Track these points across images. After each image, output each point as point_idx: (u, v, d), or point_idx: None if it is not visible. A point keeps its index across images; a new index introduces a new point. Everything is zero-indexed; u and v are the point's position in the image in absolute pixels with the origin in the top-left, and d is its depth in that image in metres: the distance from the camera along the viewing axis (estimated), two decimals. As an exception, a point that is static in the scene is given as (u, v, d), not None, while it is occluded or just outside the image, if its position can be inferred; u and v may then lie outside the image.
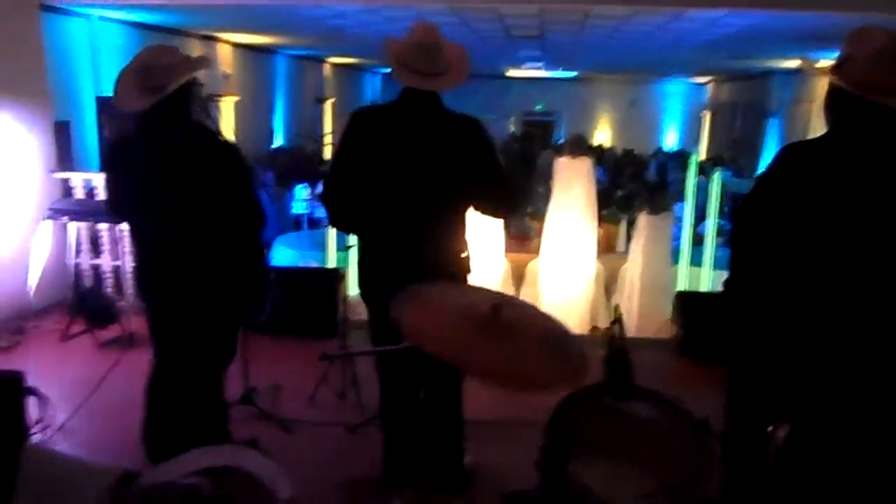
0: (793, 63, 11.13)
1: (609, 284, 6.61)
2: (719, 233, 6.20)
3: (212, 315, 2.79)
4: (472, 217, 2.82)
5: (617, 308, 1.68)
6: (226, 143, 2.76)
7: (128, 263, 4.90)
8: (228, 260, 2.77)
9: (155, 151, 2.67)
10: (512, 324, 1.55)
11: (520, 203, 2.91)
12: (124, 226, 4.84)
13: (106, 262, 5.33)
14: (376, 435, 3.11)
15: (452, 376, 2.85)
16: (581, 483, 1.45)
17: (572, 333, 1.72)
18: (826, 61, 2.09)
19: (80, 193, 5.30)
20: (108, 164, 2.76)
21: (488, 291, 1.71)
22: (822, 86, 2.08)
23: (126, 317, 4.79)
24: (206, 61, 2.96)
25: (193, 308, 2.75)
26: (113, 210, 2.95)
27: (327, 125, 15.02)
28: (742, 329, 2.09)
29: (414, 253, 2.67)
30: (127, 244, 4.92)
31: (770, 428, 1.51)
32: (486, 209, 2.81)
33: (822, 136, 2.00)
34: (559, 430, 1.51)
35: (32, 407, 2.81)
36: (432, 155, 2.64)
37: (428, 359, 2.65)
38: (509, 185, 2.83)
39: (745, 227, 2.08)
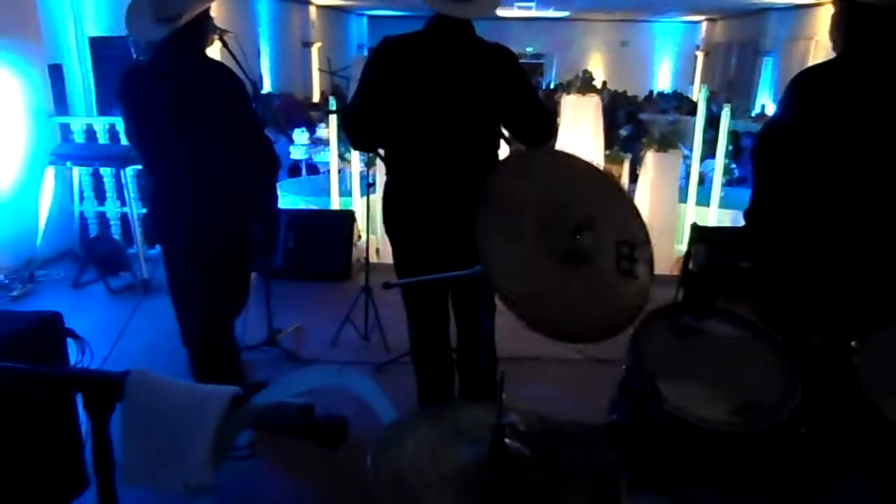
0: (791, -2, 10.97)
1: (614, 224, 6.59)
2: (724, 171, 6.17)
3: (225, 256, 2.75)
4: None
5: (695, 226, 1.64)
6: (238, 79, 2.67)
7: (135, 210, 4.79)
8: (242, 199, 2.72)
9: (167, 83, 2.59)
10: (586, 252, 1.49)
11: (553, 126, 2.87)
12: (129, 171, 4.75)
13: (111, 209, 5.22)
14: (404, 373, 3.11)
15: (487, 312, 2.82)
16: (666, 401, 1.43)
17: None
18: None
19: (80, 138, 5.15)
20: (120, 93, 2.67)
21: (588, 180, 1.60)
22: (820, 21, 2.06)
23: (137, 263, 4.72)
24: (222, -10, 2.84)
25: (207, 249, 2.71)
26: (130, 140, 2.88)
27: (315, 69, 14.70)
28: (768, 254, 2.12)
29: (449, 185, 2.61)
30: (133, 190, 4.80)
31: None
32: (524, 135, 2.75)
33: (837, 58, 2.02)
34: (643, 349, 1.49)
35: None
36: (466, 84, 2.55)
37: (470, 290, 2.61)
38: (546, 110, 2.78)
39: (766, 155, 2.09)
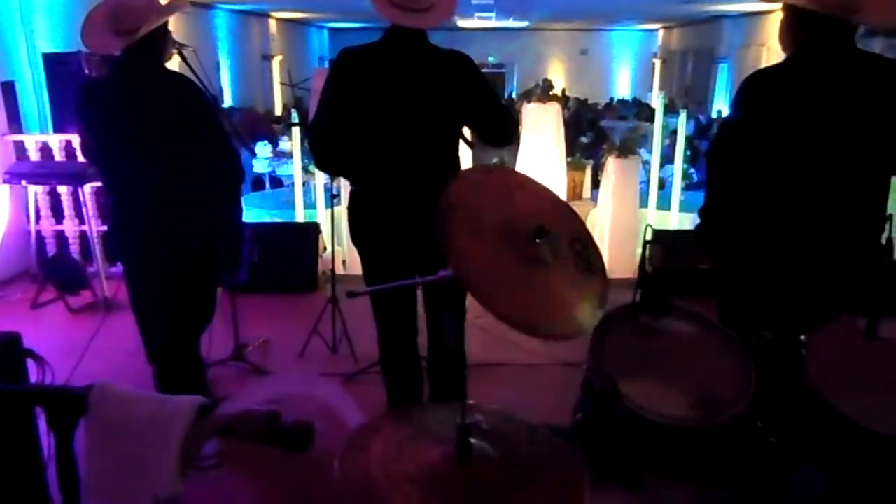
0: (743, 6, 11.28)
1: (578, 230, 6.68)
2: (683, 176, 6.32)
3: (189, 271, 2.73)
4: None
5: (649, 228, 1.69)
6: (200, 90, 2.66)
7: (94, 227, 4.71)
8: (206, 214, 2.71)
9: (128, 97, 2.57)
10: (548, 254, 1.54)
11: (516, 127, 2.91)
12: (87, 188, 4.67)
13: (69, 227, 5.12)
14: (373, 383, 3.11)
15: (458, 318, 2.85)
16: (627, 399, 1.48)
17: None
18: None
19: (34, 156, 5.05)
20: (80, 109, 2.64)
21: (539, 198, 1.66)
22: (770, 28, 2.17)
23: (98, 282, 4.63)
24: (180, 4, 2.83)
25: (171, 264, 2.68)
26: (87, 156, 2.85)
27: (276, 82, 14.62)
28: (723, 252, 2.20)
29: (413, 193, 2.63)
30: (92, 208, 4.72)
31: (802, 337, 1.56)
32: (491, 136, 2.78)
33: (788, 60, 2.12)
34: (603, 349, 1.53)
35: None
36: (427, 91, 2.59)
37: (440, 296, 2.64)
38: (509, 113, 2.82)
39: (720, 156, 2.18)
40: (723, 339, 1.65)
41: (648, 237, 1.66)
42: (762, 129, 2.05)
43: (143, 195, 2.64)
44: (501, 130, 2.73)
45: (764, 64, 10.59)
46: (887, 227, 2.14)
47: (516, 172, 1.80)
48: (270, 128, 10.21)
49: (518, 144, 6.16)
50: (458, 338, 2.90)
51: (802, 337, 1.58)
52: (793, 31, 2.11)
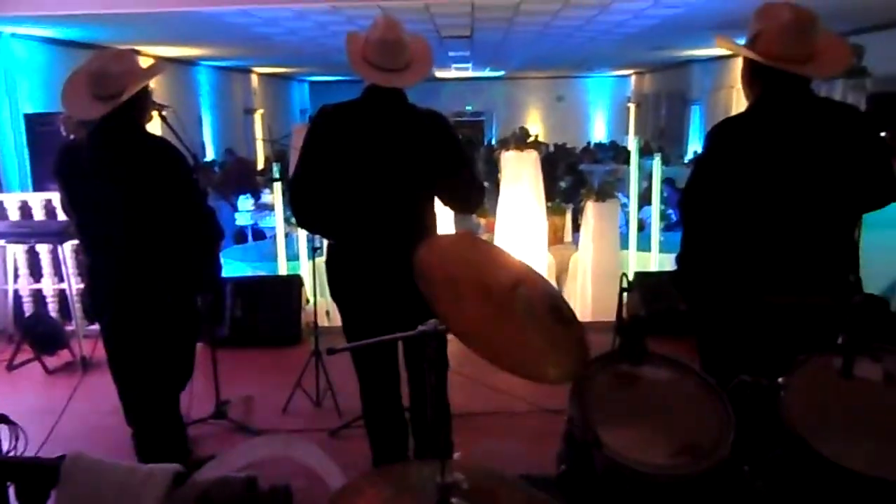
0: (711, 51, 11.63)
1: (559, 274, 6.73)
2: (661, 217, 6.41)
3: (168, 330, 2.72)
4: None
5: (624, 276, 1.71)
6: (178, 154, 2.69)
7: (73, 286, 4.67)
8: (183, 272, 2.70)
9: (108, 160, 2.59)
10: (527, 302, 1.56)
11: (483, 195, 2.95)
12: (67, 247, 4.64)
13: (47, 285, 5.07)
14: (358, 438, 3.07)
15: (439, 369, 2.84)
16: (608, 448, 1.47)
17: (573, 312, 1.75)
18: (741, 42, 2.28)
19: (14, 214, 5.03)
20: (58, 169, 2.66)
21: (505, 259, 1.70)
22: (738, 71, 2.28)
23: (76, 341, 4.57)
24: (160, 68, 2.88)
25: (148, 323, 2.67)
26: (67, 214, 2.85)
27: (258, 135, 14.76)
28: (701, 296, 2.24)
29: (389, 249, 2.64)
30: (71, 266, 4.69)
31: (780, 379, 1.58)
32: (454, 202, 2.81)
33: (749, 110, 2.22)
34: (583, 399, 1.53)
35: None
36: (403, 150, 2.62)
37: (421, 349, 2.64)
38: (478, 179, 2.85)
39: (692, 204, 2.24)
40: (702, 384, 1.66)
41: (624, 285, 1.68)
42: (729, 175, 2.12)
43: (120, 254, 2.64)
44: (467, 195, 2.75)
45: (735, 105, 10.88)
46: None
47: (480, 238, 1.84)
48: (255, 179, 10.27)
49: (498, 192, 6.24)
50: (439, 390, 2.90)
51: (780, 379, 1.59)
52: (750, 81, 2.21)
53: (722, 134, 2.20)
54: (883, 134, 2.43)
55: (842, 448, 1.47)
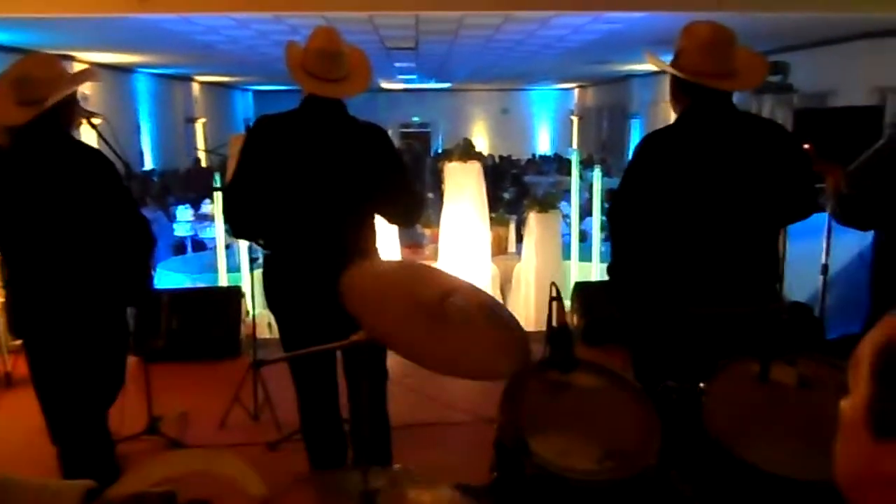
0: (650, 66, 11.99)
1: (503, 285, 6.79)
2: (602, 228, 6.55)
3: (96, 344, 2.63)
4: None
5: (553, 285, 1.75)
6: (106, 161, 2.62)
7: (-3, 299, 4.47)
8: (113, 284, 2.63)
9: (33, 168, 2.50)
10: (461, 310, 1.57)
11: (423, 209, 2.97)
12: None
13: (-30, 300, 4.84)
14: (297, 451, 3.03)
15: (378, 380, 2.83)
16: (538, 456, 1.49)
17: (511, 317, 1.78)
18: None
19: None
20: None
21: (435, 276, 1.73)
22: None
23: None
24: (90, 74, 2.80)
25: (75, 337, 2.58)
26: None
27: (199, 144, 14.48)
28: (631, 305, 2.31)
29: (325, 261, 2.63)
30: (-5, 278, 4.49)
31: (702, 385, 1.63)
32: (393, 216, 2.82)
33: (674, 123, 2.31)
34: (512, 406, 1.55)
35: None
36: (341, 162, 2.61)
37: (358, 360, 2.62)
38: (416, 191, 2.87)
39: (620, 214, 2.31)
40: (629, 390, 1.70)
41: (553, 294, 1.71)
42: (655, 186, 2.19)
43: (45, 265, 2.54)
44: (404, 210, 2.76)
45: (672, 118, 11.27)
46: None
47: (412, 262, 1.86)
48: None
49: (441, 203, 6.27)
50: (377, 400, 2.89)
51: (701, 385, 1.65)
52: (676, 95, 2.30)
53: (648, 146, 2.27)
54: (806, 146, 2.55)
55: (761, 452, 1.52)
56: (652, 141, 2.29)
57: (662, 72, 2.50)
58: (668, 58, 2.40)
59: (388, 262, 2.05)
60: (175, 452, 1.34)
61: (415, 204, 2.83)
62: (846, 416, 0.73)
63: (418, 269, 1.77)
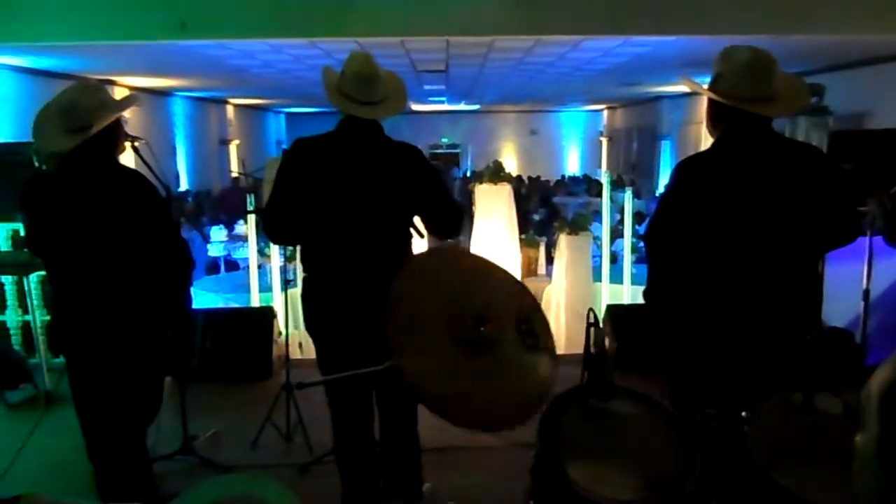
0: (680, 88, 11.93)
1: (534, 306, 6.75)
2: (632, 250, 6.49)
3: (136, 364, 2.67)
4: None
5: (591, 311, 1.74)
6: (149, 186, 2.68)
7: (39, 318, 4.58)
8: (154, 305, 2.68)
9: (79, 192, 2.57)
10: (493, 340, 1.57)
11: (464, 218, 3.00)
12: (33, 278, 4.56)
13: (11, 318, 4.96)
14: (329, 473, 3.03)
15: (409, 403, 2.82)
16: (576, 484, 1.48)
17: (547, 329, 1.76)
18: (705, 83, 2.36)
19: (-23, 246, 4.94)
20: (26, 201, 2.63)
21: (481, 272, 1.71)
22: (706, 107, 2.34)
23: (38, 375, 4.46)
24: (133, 100, 2.88)
25: (116, 357, 2.63)
26: (33, 250, 2.80)
27: (233, 166, 14.71)
28: (668, 331, 2.27)
29: (365, 282, 2.65)
30: (37, 297, 4.60)
31: (744, 413, 1.60)
32: (438, 228, 2.86)
33: (711, 148, 2.28)
34: (551, 434, 1.53)
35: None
36: (379, 182, 2.65)
37: (391, 383, 2.63)
38: (455, 202, 2.90)
39: (657, 240, 2.29)
40: (668, 418, 1.68)
41: (591, 319, 1.70)
42: (693, 211, 2.17)
43: (89, 287, 2.60)
44: (448, 222, 2.80)
45: (703, 140, 11.16)
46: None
47: (463, 252, 1.86)
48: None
49: (472, 225, 6.29)
50: (409, 425, 2.89)
51: (744, 413, 1.62)
52: (713, 119, 2.28)
53: (686, 171, 2.26)
54: (847, 167, 2.51)
55: (804, 482, 1.49)
56: (690, 165, 2.27)
57: (693, 93, 2.48)
58: (701, 79, 2.38)
59: (429, 261, 2.04)
60: (222, 477, 1.35)
61: (456, 214, 2.87)
62: (860, 452, 0.74)
63: (466, 262, 1.72)
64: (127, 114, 2.78)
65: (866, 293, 3.90)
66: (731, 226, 2.15)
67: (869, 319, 3.95)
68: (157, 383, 2.85)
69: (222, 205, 9.86)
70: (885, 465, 0.71)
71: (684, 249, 2.20)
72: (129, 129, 2.89)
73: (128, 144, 2.93)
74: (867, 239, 3.78)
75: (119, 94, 9.41)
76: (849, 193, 2.28)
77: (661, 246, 2.26)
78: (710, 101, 2.26)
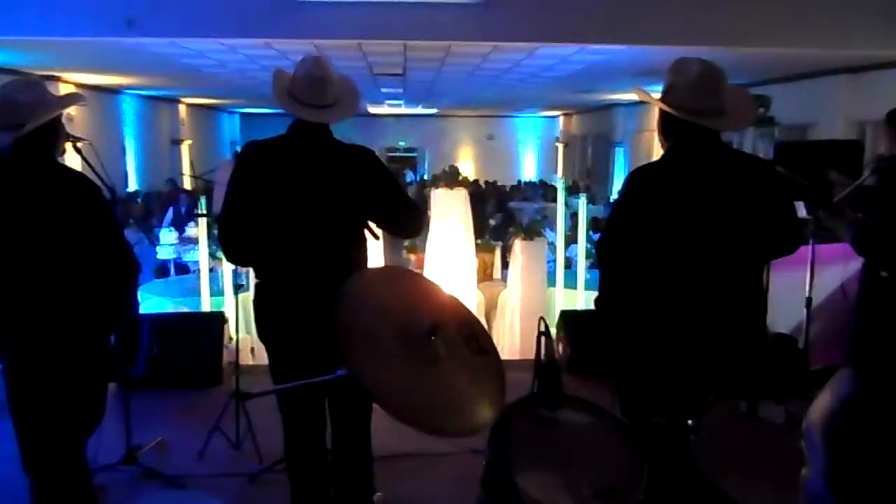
0: (634, 96, 12.16)
1: (489, 311, 6.78)
2: (587, 255, 6.57)
3: (77, 371, 2.59)
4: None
5: (542, 320, 1.74)
6: (92, 186, 2.59)
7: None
8: (95, 310, 2.60)
9: (13, 194, 2.47)
10: (445, 349, 1.57)
11: (423, 217, 3.00)
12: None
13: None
14: (278, 483, 2.98)
15: (361, 411, 2.80)
16: (526, 494, 1.47)
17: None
18: (656, 93, 2.40)
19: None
20: None
21: (431, 296, 1.72)
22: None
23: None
24: (77, 98, 2.78)
25: (55, 363, 2.54)
26: None
27: (185, 167, 14.42)
28: (618, 337, 2.30)
29: (318, 288, 2.61)
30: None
31: (690, 422, 1.62)
32: (397, 229, 2.85)
33: (661, 159, 2.33)
34: (501, 443, 1.53)
35: None
36: (329, 187, 2.61)
37: (344, 392, 2.59)
38: (412, 202, 2.89)
39: (608, 248, 2.31)
40: (617, 427, 1.69)
41: (542, 328, 1.70)
42: (643, 221, 2.20)
43: (26, 291, 2.50)
44: (406, 223, 2.79)
45: (656, 147, 11.42)
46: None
47: (402, 270, 1.87)
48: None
49: (428, 229, 6.27)
50: (362, 433, 2.85)
51: (690, 422, 1.64)
52: (664, 130, 2.32)
53: (637, 181, 2.29)
54: (780, 169, 2.57)
55: (748, 489, 1.52)
56: (640, 176, 2.30)
57: (646, 102, 2.52)
58: (653, 88, 2.42)
59: (378, 276, 2.05)
60: (159, 493, 1.30)
61: (414, 213, 2.85)
62: (809, 491, 0.70)
63: (407, 289, 1.75)
64: (72, 112, 2.68)
65: (808, 301, 4.02)
66: (679, 235, 2.19)
67: (811, 325, 4.08)
68: (99, 390, 2.75)
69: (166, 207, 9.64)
70: (843, 499, 0.67)
71: (634, 258, 2.23)
72: (75, 128, 2.79)
73: (69, 145, 2.83)
74: (809, 247, 3.89)
75: (64, 91, 9.11)
76: (792, 205, 2.34)
77: (611, 254, 2.29)
78: (662, 112, 2.30)
